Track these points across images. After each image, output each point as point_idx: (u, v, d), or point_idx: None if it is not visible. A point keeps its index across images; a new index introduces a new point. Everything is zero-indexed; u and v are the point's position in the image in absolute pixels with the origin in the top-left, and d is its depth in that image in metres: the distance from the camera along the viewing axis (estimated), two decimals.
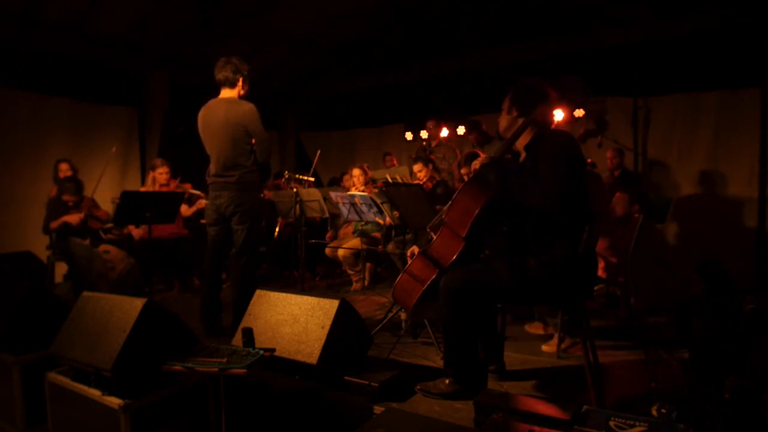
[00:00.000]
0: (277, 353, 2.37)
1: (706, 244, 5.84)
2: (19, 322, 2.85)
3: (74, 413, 2.39)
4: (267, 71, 7.70)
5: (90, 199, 5.18)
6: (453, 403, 2.28)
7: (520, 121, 2.45)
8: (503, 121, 2.53)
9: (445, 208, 2.55)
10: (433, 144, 6.35)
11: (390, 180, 5.44)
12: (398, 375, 2.43)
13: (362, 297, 5.12)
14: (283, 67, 8.08)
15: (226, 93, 3.72)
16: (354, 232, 5.65)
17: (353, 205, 4.74)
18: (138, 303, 2.32)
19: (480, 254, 2.58)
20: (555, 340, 3.26)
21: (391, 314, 3.70)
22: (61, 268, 5.22)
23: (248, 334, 2.22)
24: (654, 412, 1.84)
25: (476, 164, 2.45)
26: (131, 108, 7.21)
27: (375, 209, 4.59)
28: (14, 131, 5.95)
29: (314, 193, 5.25)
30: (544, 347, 3.32)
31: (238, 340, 2.45)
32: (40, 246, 5.20)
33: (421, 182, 5.30)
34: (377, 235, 5.45)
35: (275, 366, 2.43)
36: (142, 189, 5.83)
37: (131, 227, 5.57)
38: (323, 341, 2.37)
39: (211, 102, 3.75)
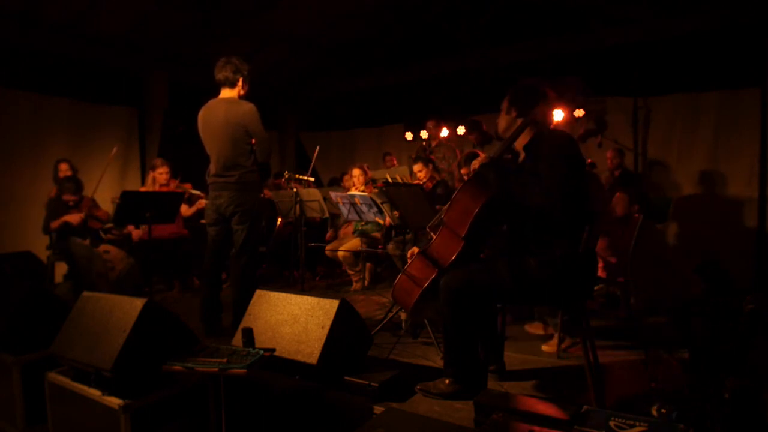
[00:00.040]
0: (277, 353, 2.37)
1: (706, 244, 5.84)
2: (19, 322, 2.85)
3: (74, 413, 2.39)
4: (267, 71, 7.70)
5: (90, 199, 5.18)
6: (453, 403, 2.28)
7: (519, 121, 2.45)
8: (502, 121, 2.53)
9: (445, 208, 2.56)
10: (433, 144, 6.35)
11: (390, 180, 5.44)
12: (398, 375, 2.43)
13: (362, 297, 5.12)
14: (283, 67, 8.08)
15: (226, 93, 3.72)
16: (354, 232, 5.65)
17: (353, 205, 4.74)
18: (138, 303, 2.32)
19: (480, 254, 2.58)
20: (555, 340, 3.26)
21: (391, 314, 3.70)
22: (61, 268, 5.22)
23: (248, 334, 2.22)
24: (654, 412, 1.84)
25: (475, 164, 2.45)
26: (131, 108, 7.22)
27: (375, 209, 4.59)
28: (14, 131, 5.95)
29: (314, 193, 5.25)
30: (544, 347, 3.32)
31: (238, 340, 2.45)
32: (40, 246, 5.20)
33: (421, 182, 5.30)
34: (377, 235, 5.45)
35: (275, 366, 2.43)
36: (142, 189, 5.83)
37: (131, 228, 5.57)
38: (323, 341, 2.37)
39: (211, 102, 3.75)
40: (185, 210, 5.64)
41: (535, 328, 3.64)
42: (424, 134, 6.41)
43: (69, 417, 2.44)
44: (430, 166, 5.45)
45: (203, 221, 4.24)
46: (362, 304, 4.69)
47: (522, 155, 2.49)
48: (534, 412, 1.78)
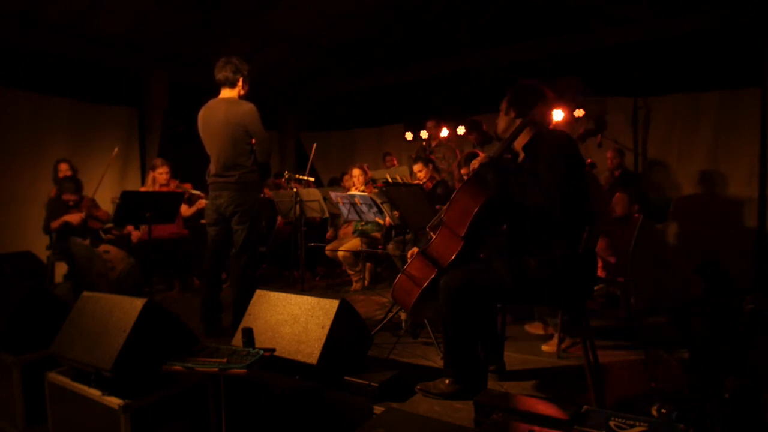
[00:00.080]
0: (277, 353, 2.37)
1: (706, 244, 5.84)
2: (19, 322, 2.85)
3: (74, 413, 2.39)
4: (267, 71, 7.70)
5: (90, 199, 5.18)
6: (453, 403, 2.28)
7: (518, 121, 2.45)
8: (501, 122, 2.54)
9: (444, 207, 2.56)
10: (433, 144, 6.35)
11: (390, 180, 5.44)
12: (398, 375, 2.43)
13: (362, 297, 5.12)
14: (283, 67, 8.08)
15: (226, 93, 3.72)
16: (354, 232, 5.65)
17: (353, 205, 4.74)
18: (138, 303, 2.32)
19: (479, 254, 2.58)
20: (555, 340, 3.26)
21: (391, 314, 3.70)
22: (61, 268, 5.22)
23: (248, 334, 2.22)
24: (654, 412, 1.84)
25: (475, 164, 2.46)
26: (131, 108, 7.21)
27: (375, 209, 4.59)
28: (14, 131, 5.95)
29: (314, 193, 5.25)
30: (544, 347, 3.32)
31: (238, 340, 2.45)
32: (40, 246, 5.20)
33: (421, 182, 5.30)
34: (377, 235, 5.45)
35: (275, 366, 2.43)
36: (142, 189, 5.83)
37: (130, 228, 5.57)
38: (323, 341, 2.37)
39: (211, 102, 3.75)
40: (185, 210, 5.64)
41: (535, 328, 3.64)
42: (424, 134, 6.41)
43: (69, 417, 2.44)
44: (430, 166, 5.45)
45: (203, 221, 4.24)
46: (362, 304, 4.69)
47: (521, 155, 2.50)
48: (534, 412, 1.78)
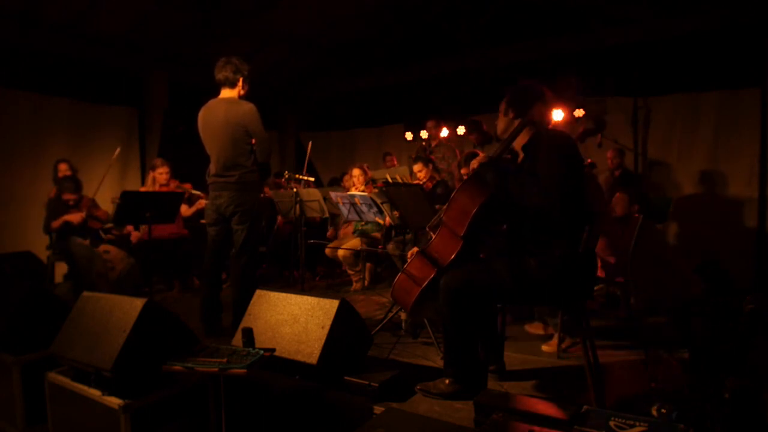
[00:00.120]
0: (277, 353, 2.37)
1: (706, 244, 5.84)
2: (19, 322, 2.85)
3: (74, 413, 2.39)
4: (267, 71, 7.70)
5: (90, 198, 5.18)
6: (453, 403, 2.28)
7: (517, 122, 2.45)
8: (500, 123, 2.54)
9: (444, 207, 2.56)
10: (433, 144, 6.35)
11: (390, 180, 5.44)
12: (398, 375, 2.43)
13: (362, 297, 5.12)
14: (283, 67, 8.08)
15: (226, 93, 3.72)
16: (354, 232, 5.65)
17: (353, 205, 4.74)
18: (138, 303, 2.32)
19: (479, 254, 2.58)
20: (555, 340, 3.26)
21: (391, 314, 3.70)
22: (61, 268, 5.22)
23: (248, 334, 2.22)
24: (654, 412, 1.84)
25: (474, 164, 2.46)
26: (131, 108, 7.21)
27: (375, 209, 4.59)
28: (14, 131, 5.95)
29: (314, 193, 5.25)
30: (544, 347, 3.32)
31: (238, 340, 2.45)
32: (40, 246, 5.20)
33: (421, 182, 5.30)
34: (377, 235, 5.45)
35: (275, 366, 2.43)
36: (142, 189, 5.83)
37: (130, 228, 5.57)
38: (323, 341, 2.38)
39: (211, 102, 3.75)
40: (185, 210, 5.65)
41: (535, 328, 3.64)
42: (424, 134, 6.42)
43: (69, 417, 2.44)
44: (430, 166, 5.46)
45: (203, 221, 4.24)
46: (362, 304, 4.69)
47: (521, 156, 2.50)
48: (534, 412, 1.78)
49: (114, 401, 2.16)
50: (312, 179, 5.85)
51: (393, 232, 5.20)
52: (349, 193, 5.03)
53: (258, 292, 2.80)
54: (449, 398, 2.31)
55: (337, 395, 2.32)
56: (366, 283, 5.57)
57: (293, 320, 2.54)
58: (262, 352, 2.09)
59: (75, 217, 4.90)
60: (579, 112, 5.85)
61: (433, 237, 2.58)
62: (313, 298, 2.58)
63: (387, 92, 8.60)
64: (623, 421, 1.63)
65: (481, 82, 7.25)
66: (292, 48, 7.67)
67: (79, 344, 2.39)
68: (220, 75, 3.67)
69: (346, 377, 2.37)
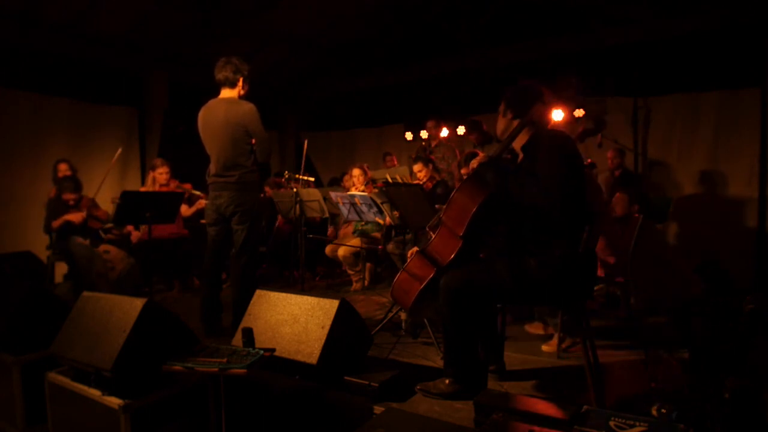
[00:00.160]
0: (277, 353, 2.37)
1: (706, 244, 5.84)
2: (19, 322, 2.85)
3: (74, 413, 2.39)
4: (267, 71, 7.70)
5: (90, 198, 5.18)
6: (453, 403, 2.28)
7: (516, 122, 2.46)
8: (500, 123, 2.55)
9: (444, 207, 2.56)
10: (433, 144, 6.35)
11: (390, 180, 5.44)
12: (398, 375, 2.43)
13: (362, 297, 5.12)
14: (283, 67, 8.08)
15: (226, 93, 3.72)
16: (354, 232, 5.65)
17: (353, 205, 4.74)
18: (138, 303, 2.32)
19: (479, 254, 2.58)
20: (555, 340, 3.26)
21: (391, 314, 3.70)
22: (61, 268, 5.22)
23: (248, 334, 2.22)
24: (654, 412, 1.84)
25: (474, 163, 2.46)
26: (131, 108, 7.21)
27: (375, 209, 4.59)
28: (14, 131, 5.95)
29: (314, 193, 5.25)
30: (544, 347, 3.32)
31: (238, 340, 2.45)
32: (40, 246, 5.20)
33: (421, 182, 5.30)
34: (377, 235, 5.45)
35: (275, 366, 2.43)
36: (142, 189, 5.83)
37: (130, 228, 5.57)
38: (323, 341, 2.37)
39: (211, 102, 3.75)
40: (185, 210, 5.65)
41: (535, 328, 3.64)
42: (424, 134, 6.42)
43: (69, 417, 2.44)
44: (430, 166, 5.46)
45: (203, 221, 4.24)
46: (362, 304, 4.69)
47: (521, 156, 2.50)
48: (534, 412, 1.78)
49: (114, 401, 2.16)
50: (312, 179, 5.85)
51: (393, 232, 5.19)
52: (349, 193, 5.03)
53: (258, 292, 2.80)
54: (449, 398, 2.31)
55: (337, 395, 2.32)
56: (366, 283, 5.57)
57: (293, 320, 2.54)
58: (262, 352, 2.09)
59: (76, 217, 4.90)
60: (579, 112, 5.84)
61: (433, 237, 2.58)
62: (313, 298, 2.58)
63: (387, 92, 8.60)
64: (623, 421, 1.63)
65: (481, 82, 7.25)
66: (292, 48, 7.67)
67: (79, 344, 2.39)
68: (220, 75, 3.68)
69: (346, 377, 2.37)
